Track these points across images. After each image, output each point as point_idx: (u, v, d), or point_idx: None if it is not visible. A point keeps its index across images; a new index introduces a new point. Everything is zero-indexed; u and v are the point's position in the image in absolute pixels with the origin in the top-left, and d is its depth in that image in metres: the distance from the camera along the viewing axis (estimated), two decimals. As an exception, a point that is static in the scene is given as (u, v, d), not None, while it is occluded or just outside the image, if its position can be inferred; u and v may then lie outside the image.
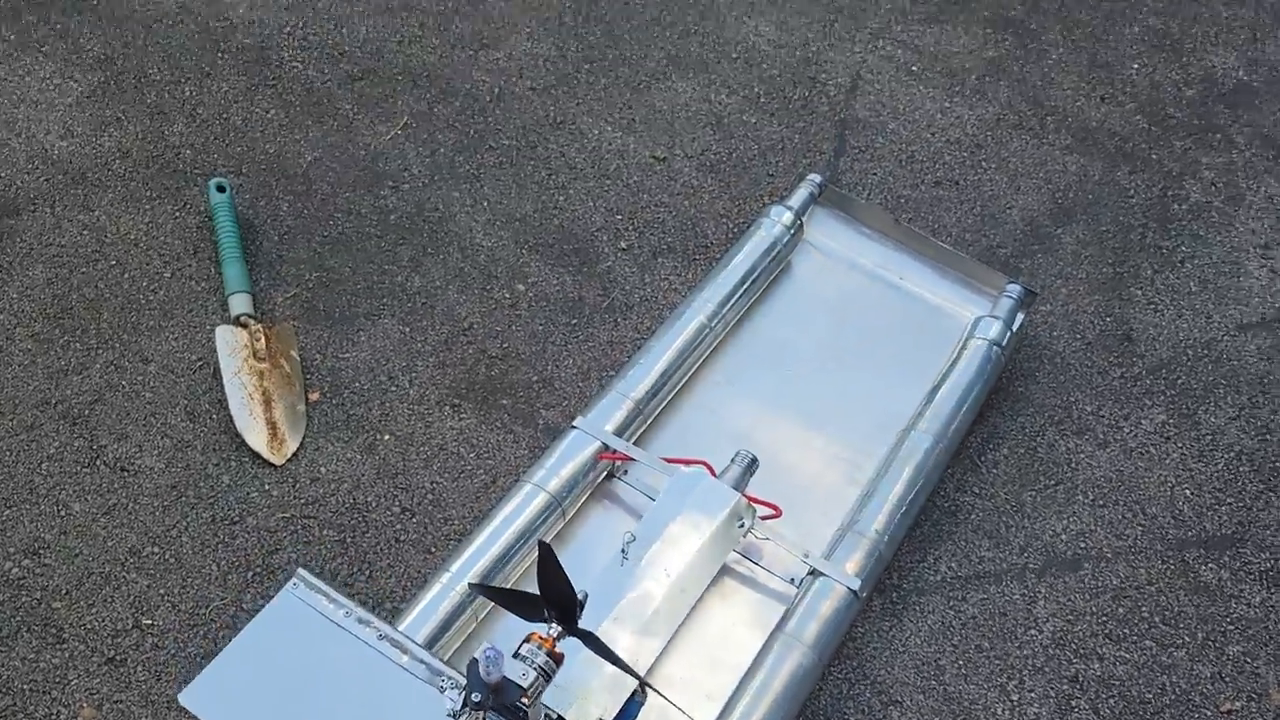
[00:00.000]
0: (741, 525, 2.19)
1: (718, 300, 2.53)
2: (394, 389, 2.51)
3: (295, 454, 2.37)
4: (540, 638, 1.60)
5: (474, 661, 1.54)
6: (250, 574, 2.21)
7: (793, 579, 2.23)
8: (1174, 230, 3.00)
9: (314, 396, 2.47)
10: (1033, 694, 2.21)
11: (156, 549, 2.23)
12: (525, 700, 1.56)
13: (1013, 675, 2.23)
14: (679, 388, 2.49)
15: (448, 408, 2.49)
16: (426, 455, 2.41)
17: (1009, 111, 3.22)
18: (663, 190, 2.94)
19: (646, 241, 2.83)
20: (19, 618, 2.12)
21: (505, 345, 2.60)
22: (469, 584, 2.01)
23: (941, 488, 2.45)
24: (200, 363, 2.49)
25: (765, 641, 2.10)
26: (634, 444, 2.34)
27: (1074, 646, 2.28)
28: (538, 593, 1.63)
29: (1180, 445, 2.59)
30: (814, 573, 2.18)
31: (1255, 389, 2.70)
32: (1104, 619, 2.32)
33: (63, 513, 2.26)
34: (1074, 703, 2.21)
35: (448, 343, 2.59)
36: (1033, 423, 2.60)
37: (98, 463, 2.33)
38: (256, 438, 2.35)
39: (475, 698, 1.52)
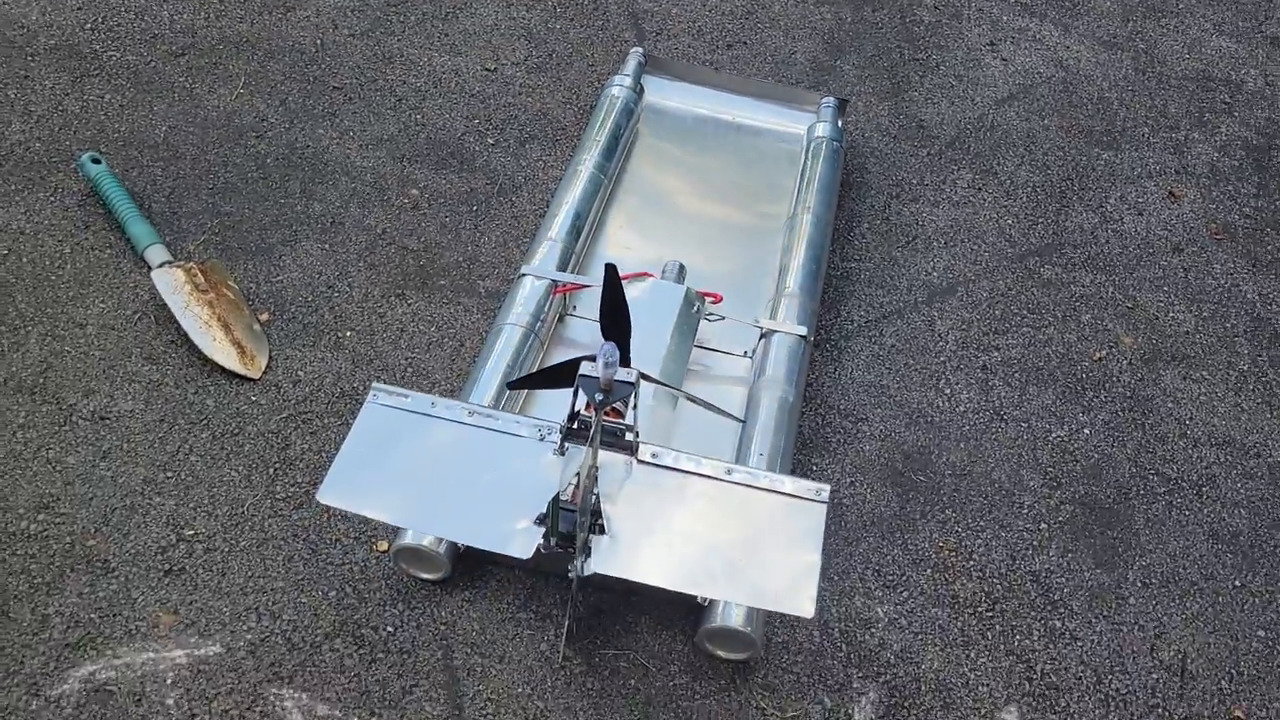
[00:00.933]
0: (696, 310, 2.49)
1: (600, 152, 2.82)
2: (337, 295, 2.62)
3: (268, 367, 2.44)
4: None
5: (580, 379, 1.75)
6: (271, 470, 2.28)
7: (745, 352, 2.55)
8: (922, 46, 3.59)
9: (264, 317, 2.54)
10: (959, 385, 2.65)
11: (169, 474, 2.24)
12: (632, 400, 1.79)
13: (940, 377, 2.67)
14: (594, 231, 2.76)
15: (393, 298, 2.63)
16: (392, 338, 2.55)
17: (763, -16, 3.72)
18: (504, 94, 3.20)
19: (509, 135, 3.08)
20: (57, 562, 2.08)
21: (422, 240, 2.77)
22: (506, 384, 2.19)
23: (830, 260, 2.85)
24: (137, 315, 2.50)
25: (749, 392, 2.42)
26: None
27: (974, 345, 2.75)
28: (566, 360, 1.83)
29: (991, 192, 3.15)
30: (765, 334, 2.51)
31: (1026, 141, 3.31)
32: (988, 320, 2.80)
33: (58, 468, 2.22)
34: (991, 382, 2.67)
35: (369, 248, 2.73)
36: (878, 200, 3.07)
37: (74, 419, 2.30)
38: (227, 358, 2.40)
39: (597, 397, 1.73)
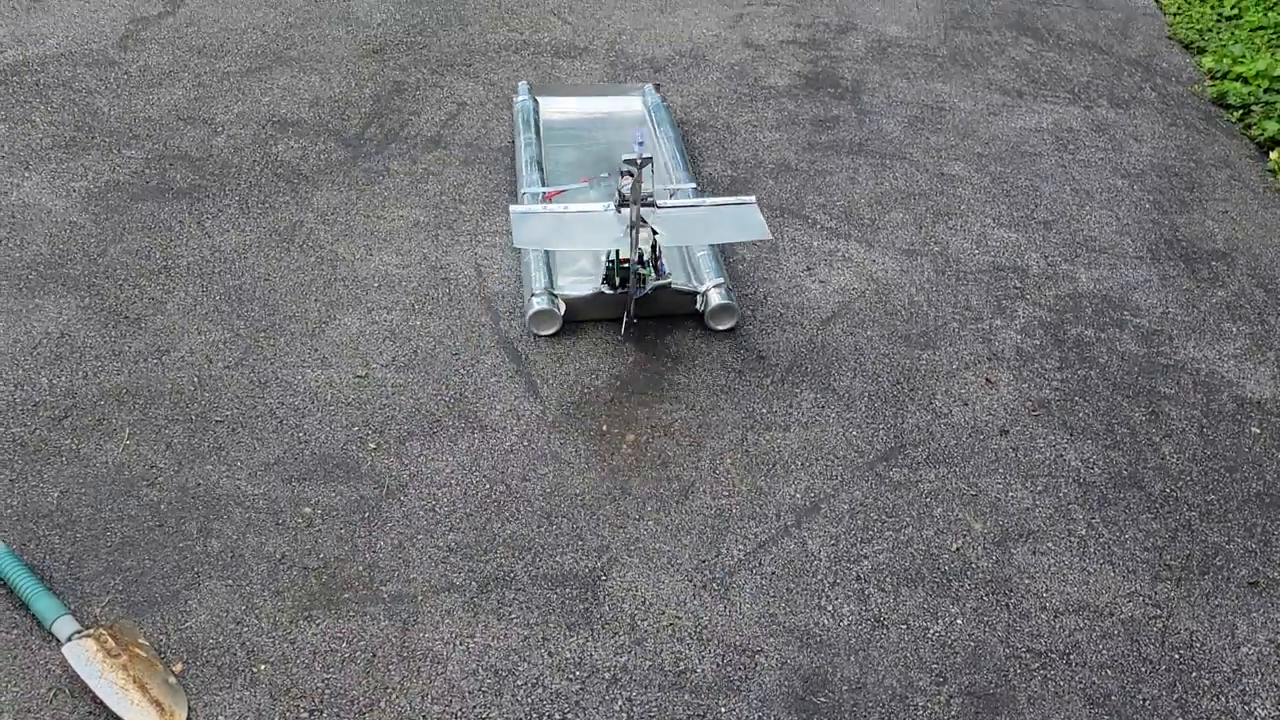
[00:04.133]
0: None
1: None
2: (246, 629, 2.74)
3: (188, 718, 2.53)
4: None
5: (623, 162, 3.33)
6: (207, 825, 2.34)
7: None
8: (748, 281, 3.99)
9: (178, 668, 2.63)
10: (839, 600, 2.89)
11: None
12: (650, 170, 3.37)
13: (820, 594, 2.90)
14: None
15: (301, 621, 2.76)
16: (306, 662, 2.67)
17: (598, 249, 4.10)
18: (379, 397, 3.43)
19: (388, 436, 3.30)
20: None
21: (321, 557, 2.93)
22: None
23: (699, 500, 3.11)
24: (53, 692, 2.57)
25: None
26: None
27: (845, 558, 3.00)
28: None
29: (833, 408, 3.48)
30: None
31: (855, 356, 3.69)
32: (852, 532, 3.08)
33: None
34: (866, 591, 2.92)
35: (271, 575, 2.87)
36: (735, 434, 3.37)
37: (1, 814, 2.34)
38: (147, 719, 2.48)
39: (639, 158, 3.30)
